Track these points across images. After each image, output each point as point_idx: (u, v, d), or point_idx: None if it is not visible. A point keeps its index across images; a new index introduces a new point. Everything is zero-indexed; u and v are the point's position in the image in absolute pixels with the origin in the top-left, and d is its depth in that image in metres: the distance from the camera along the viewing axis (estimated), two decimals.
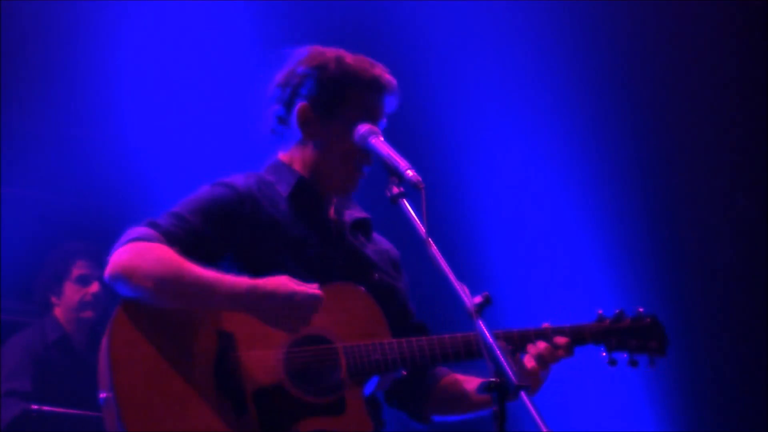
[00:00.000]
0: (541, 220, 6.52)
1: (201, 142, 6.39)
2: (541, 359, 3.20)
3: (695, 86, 6.39)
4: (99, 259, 5.92)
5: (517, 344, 3.21)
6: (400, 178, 2.96)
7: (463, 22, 6.43)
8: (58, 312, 5.98)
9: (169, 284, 3.06)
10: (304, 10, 6.26)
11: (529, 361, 3.20)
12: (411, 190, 2.93)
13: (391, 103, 3.36)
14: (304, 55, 3.38)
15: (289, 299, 3.01)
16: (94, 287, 5.96)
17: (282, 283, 3.04)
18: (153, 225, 3.17)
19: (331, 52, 3.37)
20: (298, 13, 6.26)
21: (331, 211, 3.41)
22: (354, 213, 3.45)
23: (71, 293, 5.97)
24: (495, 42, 6.40)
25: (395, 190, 2.96)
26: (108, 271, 3.13)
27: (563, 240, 6.48)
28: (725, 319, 6.30)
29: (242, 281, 3.05)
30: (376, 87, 3.32)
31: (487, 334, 2.61)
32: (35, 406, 5.41)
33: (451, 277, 2.72)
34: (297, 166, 3.37)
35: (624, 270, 6.33)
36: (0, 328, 6.01)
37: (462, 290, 2.69)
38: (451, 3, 6.38)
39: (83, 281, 5.97)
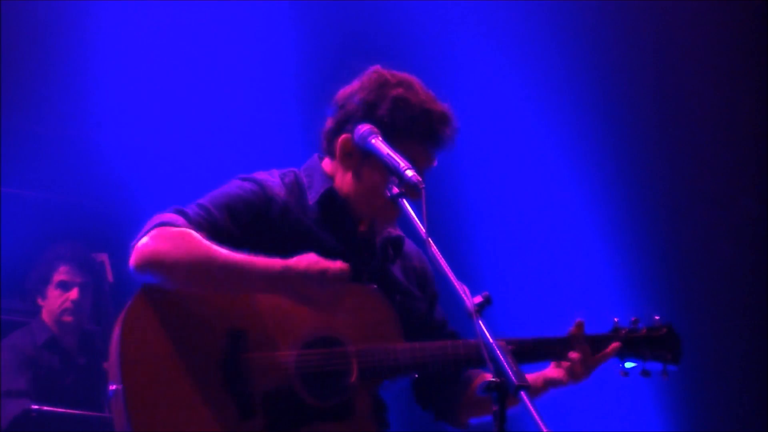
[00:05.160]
0: (544, 219, 6.51)
1: (203, 142, 6.39)
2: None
3: (698, 88, 6.39)
4: (83, 265, 5.99)
5: (527, 354, 3.21)
6: (400, 178, 2.95)
7: (463, 20, 6.43)
8: (45, 314, 5.99)
9: (201, 269, 3.01)
10: (302, 11, 6.27)
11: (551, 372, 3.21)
12: (411, 190, 2.93)
13: (442, 150, 3.25)
14: (366, 80, 3.25)
15: (322, 276, 2.96)
16: (74, 293, 5.95)
17: (313, 261, 2.98)
18: (180, 212, 3.12)
19: (394, 87, 3.21)
20: (296, 14, 6.26)
21: (363, 224, 3.34)
22: (389, 229, 3.38)
23: (53, 298, 5.97)
24: (497, 40, 6.40)
25: (395, 190, 2.95)
26: (134, 259, 3.06)
27: (567, 240, 6.47)
28: (732, 321, 6.29)
29: (275, 262, 2.99)
30: (425, 141, 3.20)
31: (487, 334, 2.60)
32: (35, 406, 5.41)
33: (452, 276, 2.71)
34: (337, 181, 3.28)
35: (630, 270, 6.32)
36: (0, 328, 6.01)
37: (462, 290, 2.68)
38: (453, 2, 6.38)
39: (64, 287, 5.96)
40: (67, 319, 5.95)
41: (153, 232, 3.06)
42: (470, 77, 6.42)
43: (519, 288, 6.31)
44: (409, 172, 2.93)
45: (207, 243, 3.03)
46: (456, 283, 2.70)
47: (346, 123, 3.23)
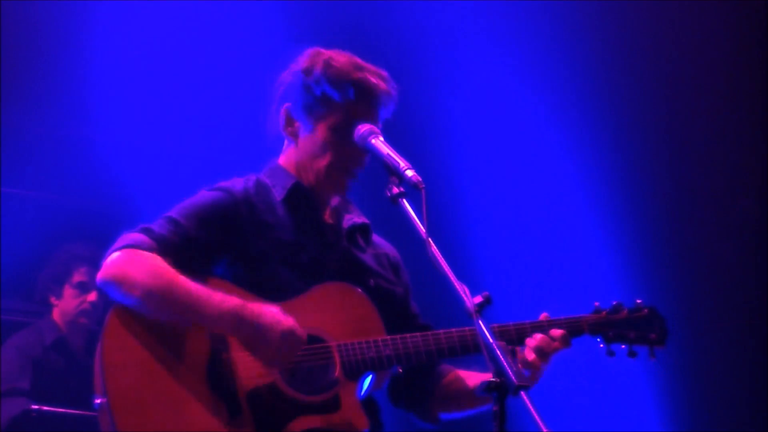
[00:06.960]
0: (545, 220, 6.52)
1: (202, 142, 6.39)
2: (540, 351, 3.18)
3: (698, 87, 6.39)
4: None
5: (514, 338, 3.20)
6: (400, 178, 2.96)
7: (463, 19, 6.43)
8: (56, 313, 5.98)
9: (158, 296, 3.07)
10: (304, 10, 6.27)
11: (529, 354, 3.18)
12: (411, 190, 2.93)
13: (381, 107, 3.31)
14: (299, 57, 3.38)
15: (270, 332, 3.01)
16: (93, 296, 5.95)
17: (268, 313, 3.03)
18: (147, 231, 3.18)
19: (325, 54, 3.35)
20: (292, 14, 6.26)
21: (327, 215, 3.40)
22: (354, 218, 3.43)
23: (70, 298, 5.97)
24: (496, 39, 6.40)
25: (395, 190, 2.96)
26: (100, 275, 3.16)
27: (568, 241, 6.47)
28: (732, 321, 6.29)
29: (229, 303, 3.05)
30: (358, 90, 3.28)
31: (488, 334, 2.61)
32: (35, 406, 5.41)
33: (452, 276, 2.71)
34: (292, 169, 3.37)
35: (627, 266, 6.33)
36: (0, 328, 6.01)
37: (462, 290, 2.69)
38: (452, 1, 6.38)
39: (82, 288, 5.96)
40: (83, 320, 5.95)
41: (121, 253, 3.13)
42: (467, 75, 6.42)
43: (519, 288, 6.31)
44: (409, 172, 2.94)
45: (169, 270, 3.08)
46: (456, 283, 2.70)
47: (283, 99, 3.37)
